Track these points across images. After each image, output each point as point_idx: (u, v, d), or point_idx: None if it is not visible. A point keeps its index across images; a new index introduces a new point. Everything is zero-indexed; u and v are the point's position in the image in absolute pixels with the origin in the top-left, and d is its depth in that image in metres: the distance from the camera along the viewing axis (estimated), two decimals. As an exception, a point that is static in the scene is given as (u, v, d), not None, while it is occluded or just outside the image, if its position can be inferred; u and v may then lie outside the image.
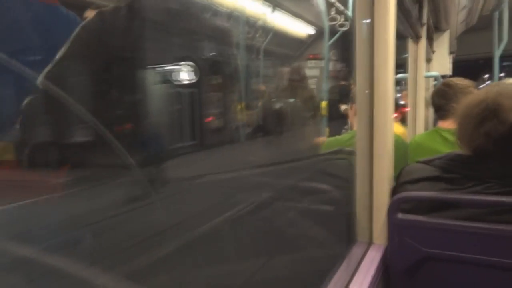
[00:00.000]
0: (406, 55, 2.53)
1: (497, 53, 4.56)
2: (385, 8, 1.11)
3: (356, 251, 1.13)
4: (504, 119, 0.93)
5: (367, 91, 1.14)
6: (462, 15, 4.12)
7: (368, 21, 1.13)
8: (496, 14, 4.55)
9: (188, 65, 1.58)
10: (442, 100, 1.71)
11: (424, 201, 1.05)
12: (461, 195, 0.99)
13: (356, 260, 1.08)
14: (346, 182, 1.24)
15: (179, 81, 1.57)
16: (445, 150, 1.62)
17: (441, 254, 1.00)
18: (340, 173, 1.37)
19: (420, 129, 2.50)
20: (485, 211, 0.97)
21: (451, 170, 1.05)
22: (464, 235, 0.96)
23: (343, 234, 1.17)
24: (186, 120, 2.15)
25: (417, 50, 2.48)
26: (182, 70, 1.55)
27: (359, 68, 1.15)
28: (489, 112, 0.96)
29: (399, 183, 1.14)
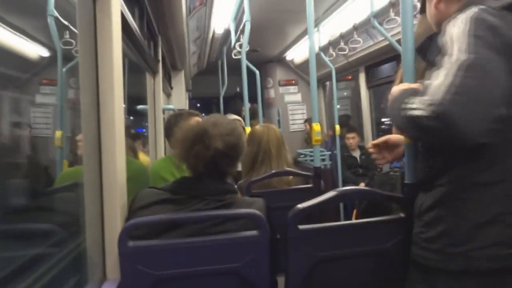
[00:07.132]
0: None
1: (222, 94, 5.58)
2: (108, 39, 1.11)
3: (86, 293, 1.03)
4: (208, 144, 1.10)
5: (93, 119, 1.09)
6: (194, 59, 4.79)
7: (91, 47, 1.09)
8: (219, 62, 5.58)
9: None
10: (168, 129, 1.94)
11: (156, 225, 1.08)
12: (186, 213, 1.09)
13: (86, 303, 0.98)
14: (75, 217, 1.13)
15: None
16: (179, 175, 1.77)
17: (172, 274, 1.04)
18: (70, 208, 1.23)
19: (161, 157, 2.65)
20: (207, 224, 1.10)
21: (178, 192, 1.15)
22: (189, 250, 1.05)
23: (70, 278, 1.04)
24: None
25: (155, 84, 2.66)
26: None
27: (84, 95, 1.09)
28: (197, 137, 1.11)
29: (132, 210, 1.14)
